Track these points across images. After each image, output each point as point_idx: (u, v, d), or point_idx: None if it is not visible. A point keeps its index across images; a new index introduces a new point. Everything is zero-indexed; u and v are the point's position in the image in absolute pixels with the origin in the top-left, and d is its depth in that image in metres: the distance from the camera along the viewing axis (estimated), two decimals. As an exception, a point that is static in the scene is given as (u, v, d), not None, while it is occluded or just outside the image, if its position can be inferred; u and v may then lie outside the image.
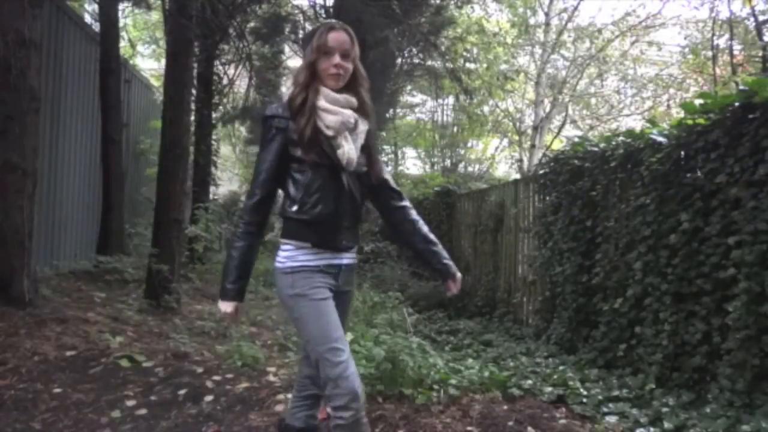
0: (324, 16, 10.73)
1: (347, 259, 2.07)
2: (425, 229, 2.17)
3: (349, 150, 1.96)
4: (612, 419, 3.18)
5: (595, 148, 4.83)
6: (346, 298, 2.14)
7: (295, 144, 1.95)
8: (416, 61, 10.80)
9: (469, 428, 2.95)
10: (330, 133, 1.95)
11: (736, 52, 10.43)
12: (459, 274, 2.18)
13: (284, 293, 1.98)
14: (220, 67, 10.20)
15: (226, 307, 2.00)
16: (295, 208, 1.96)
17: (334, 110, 1.96)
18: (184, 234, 7.46)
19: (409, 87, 14.50)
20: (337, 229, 1.99)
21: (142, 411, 3.16)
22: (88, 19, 10.68)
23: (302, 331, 1.98)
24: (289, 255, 1.97)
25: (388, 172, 2.20)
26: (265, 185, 1.98)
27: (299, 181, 1.96)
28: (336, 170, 1.97)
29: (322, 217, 1.95)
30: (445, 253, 2.17)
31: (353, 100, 2.02)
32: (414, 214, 2.18)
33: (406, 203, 2.19)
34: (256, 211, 1.99)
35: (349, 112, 1.98)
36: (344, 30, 2.00)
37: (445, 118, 17.78)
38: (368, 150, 2.06)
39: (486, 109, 16.32)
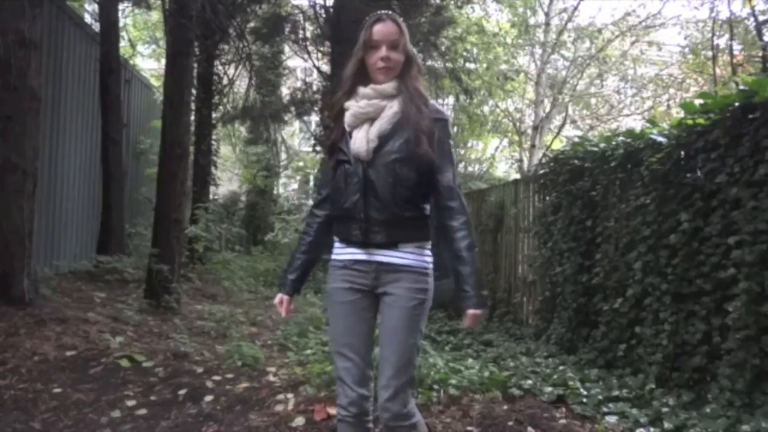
0: (324, 16, 10.73)
1: (384, 256, 1.90)
2: (461, 243, 1.88)
3: (357, 139, 1.90)
4: (612, 419, 3.18)
5: (595, 148, 4.83)
6: (393, 302, 1.89)
7: None
8: (416, 61, 10.81)
9: (469, 428, 2.95)
10: (348, 128, 1.95)
11: (736, 52, 10.43)
12: (474, 310, 1.85)
13: None
14: (220, 67, 10.19)
15: (276, 298, 2.09)
16: (325, 206, 2.05)
17: (350, 105, 1.94)
18: (184, 234, 7.46)
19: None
20: (362, 223, 1.89)
21: (142, 411, 3.16)
22: (88, 19, 10.67)
23: None
24: (333, 249, 2.05)
25: (449, 167, 1.92)
26: (323, 188, 2.10)
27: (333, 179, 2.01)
28: (357, 163, 1.90)
29: (342, 211, 1.93)
30: (471, 278, 1.86)
31: (384, 88, 1.92)
32: (457, 220, 1.89)
33: (454, 204, 1.90)
34: (313, 212, 2.10)
35: (363, 102, 1.92)
36: (391, 20, 1.93)
37: (445, 118, 17.75)
38: (408, 132, 1.88)
39: (486, 109, 16.31)
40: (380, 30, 1.91)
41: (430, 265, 1.96)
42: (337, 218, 1.99)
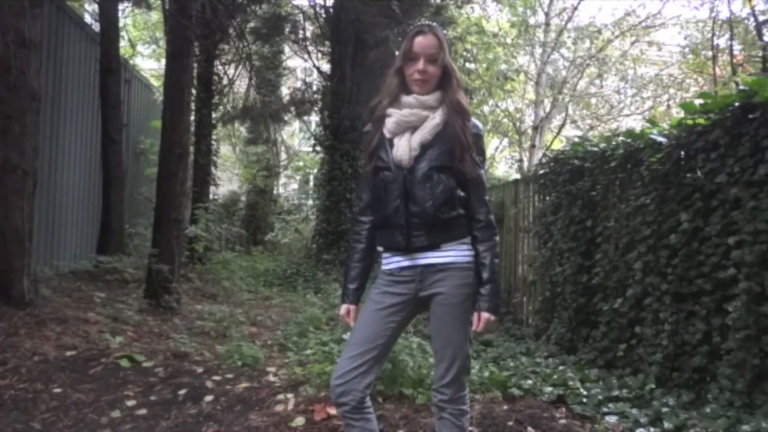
0: (324, 16, 10.74)
1: (427, 258, 1.96)
2: (485, 253, 1.98)
3: (400, 146, 1.96)
4: (612, 419, 3.18)
5: (595, 148, 4.83)
6: (443, 300, 1.96)
7: None
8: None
9: (469, 428, 2.95)
10: (389, 135, 2.00)
11: (736, 52, 10.44)
12: (486, 314, 1.96)
13: None
14: (220, 67, 10.20)
15: (342, 309, 2.13)
16: (369, 212, 2.08)
17: (393, 113, 1.99)
18: (184, 234, 7.45)
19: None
20: (404, 228, 1.94)
21: (142, 411, 3.16)
22: (88, 19, 10.68)
23: None
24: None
25: (482, 181, 2.02)
26: (364, 193, 2.12)
27: (372, 186, 2.05)
28: (398, 170, 1.96)
29: (383, 218, 2.00)
30: (486, 285, 1.97)
31: (427, 99, 1.98)
32: (484, 232, 2.00)
33: (483, 217, 2.00)
34: (359, 219, 2.13)
35: (406, 111, 1.97)
36: (433, 33, 1.95)
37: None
38: (449, 143, 1.95)
39: (486, 109, 16.32)
40: (420, 42, 1.95)
41: (473, 258, 2.00)
42: (379, 226, 2.04)
